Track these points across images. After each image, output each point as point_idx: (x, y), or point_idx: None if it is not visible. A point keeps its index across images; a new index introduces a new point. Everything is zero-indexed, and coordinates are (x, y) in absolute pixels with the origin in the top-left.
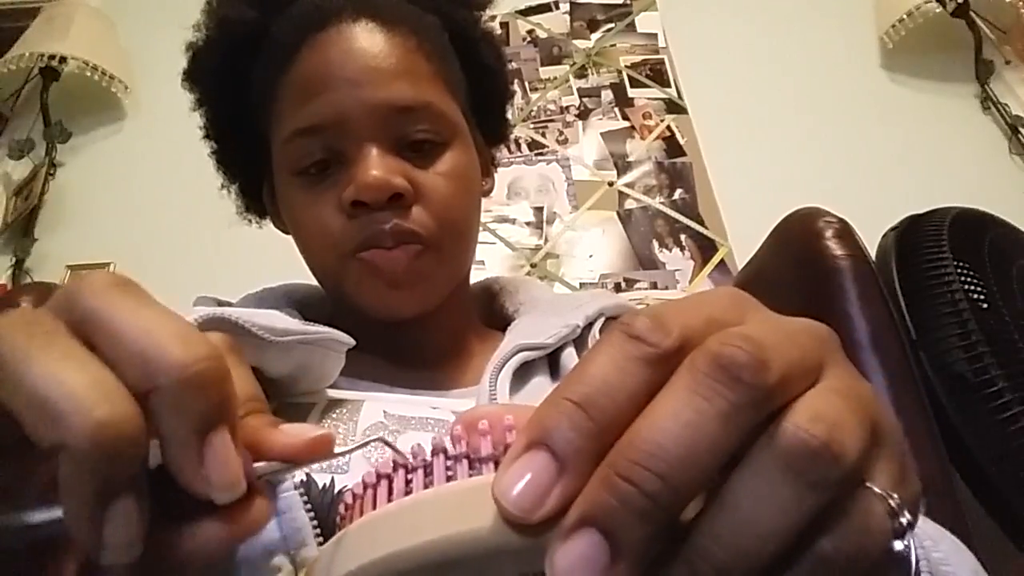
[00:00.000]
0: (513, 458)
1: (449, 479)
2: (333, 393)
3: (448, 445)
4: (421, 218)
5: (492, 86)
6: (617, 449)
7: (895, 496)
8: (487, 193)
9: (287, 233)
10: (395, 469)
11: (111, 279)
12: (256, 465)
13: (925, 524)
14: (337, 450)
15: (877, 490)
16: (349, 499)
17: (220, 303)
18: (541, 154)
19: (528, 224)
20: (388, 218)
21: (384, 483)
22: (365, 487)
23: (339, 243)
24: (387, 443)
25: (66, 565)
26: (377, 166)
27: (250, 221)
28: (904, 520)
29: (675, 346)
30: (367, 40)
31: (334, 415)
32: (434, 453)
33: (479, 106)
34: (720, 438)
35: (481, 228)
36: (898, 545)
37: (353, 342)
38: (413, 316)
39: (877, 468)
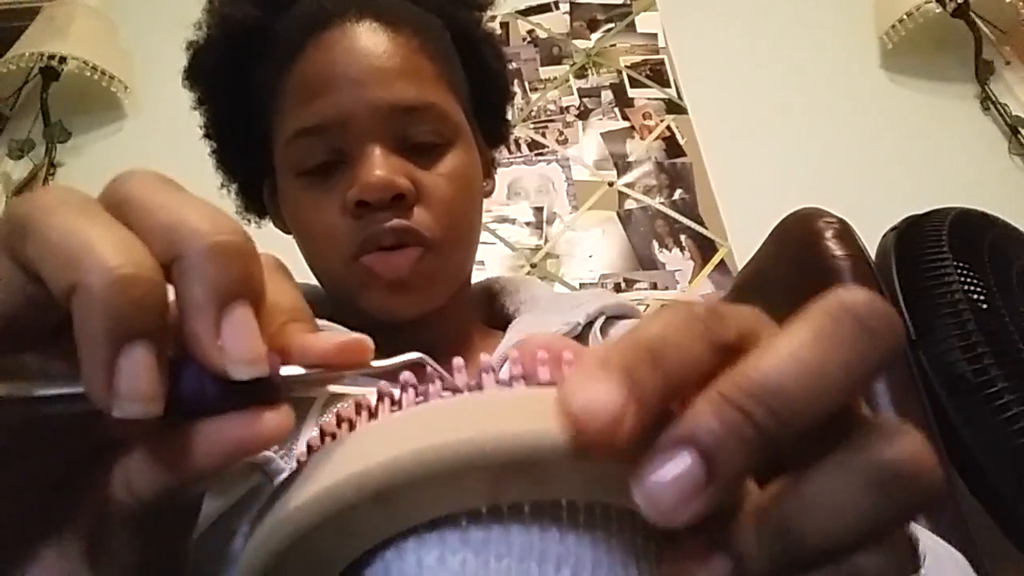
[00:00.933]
0: (584, 372)
1: None
2: (334, 388)
3: (499, 368)
4: (423, 218)
5: (493, 88)
6: (730, 378)
7: (915, 536)
8: (488, 194)
9: (287, 233)
10: (431, 381)
11: (152, 173)
12: (284, 370)
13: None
14: (374, 363)
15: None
16: (357, 409)
17: None
18: (541, 154)
19: (528, 224)
20: (389, 217)
21: (411, 391)
22: (380, 397)
23: (342, 245)
24: (430, 363)
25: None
26: (380, 166)
27: (249, 221)
28: (922, 558)
29: (734, 340)
30: (371, 40)
31: (335, 410)
32: (483, 371)
33: (480, 107)
34: (839, 388)
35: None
36: None
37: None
38: (415, 317)
39: None
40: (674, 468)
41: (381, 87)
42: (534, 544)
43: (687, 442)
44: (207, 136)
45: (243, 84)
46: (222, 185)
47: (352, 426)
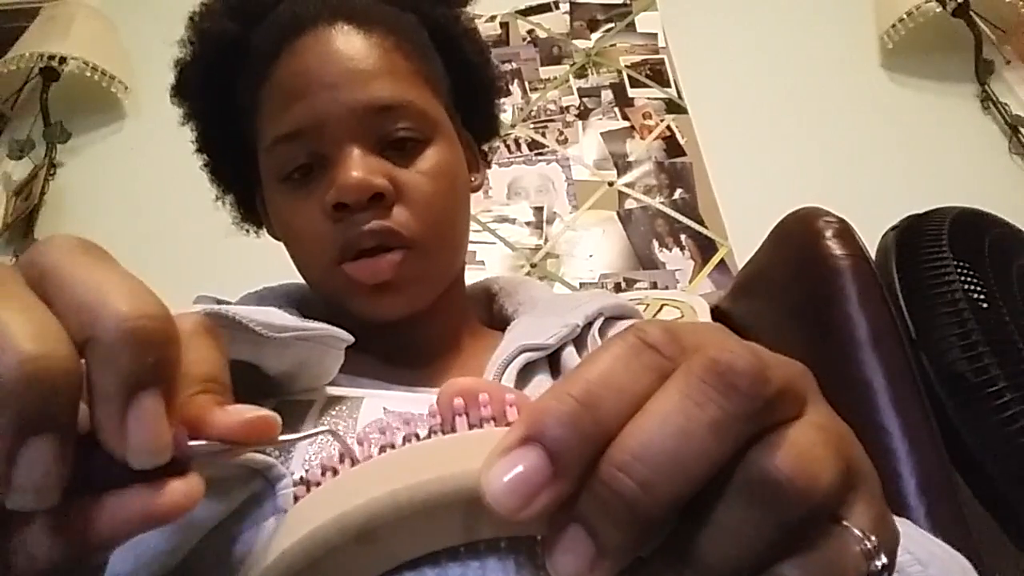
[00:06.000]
0: (506, 449)
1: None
2: (332, 390)
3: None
4: (402, 217)
5: (476, 82)
6: (606, 452)
7: (872, 538)
8: (476, 189)
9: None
10: (409, 423)
11: (75, 240)
12: (192, 443)
13: (915, 546)
14: (281, 437)
15: (855, 530)
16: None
17: (220, 302)
18: (541, 154)
19: (528, 224)
20: (369, 218)
21: (389, 434)
22: (360, 442)
23: (324, 248)
24: (335, 435)
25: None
26: (357, 167)
27: (247, 232)
28: (880, 563)
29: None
30: (344, 43)
31: (334, 412)
32: (457, 413)
33: (465, 102)
34: (710, 447)
35: (481, 228)
36: None
37: (352, 339)
38: (405, 317)
39: (854, 508)
40: (567, 545)
41: (355, 88)
42: None
43: (573, 521)
44: (199, 151)
45: (227, 97)
46: (217, 198)
47: (336, 474)
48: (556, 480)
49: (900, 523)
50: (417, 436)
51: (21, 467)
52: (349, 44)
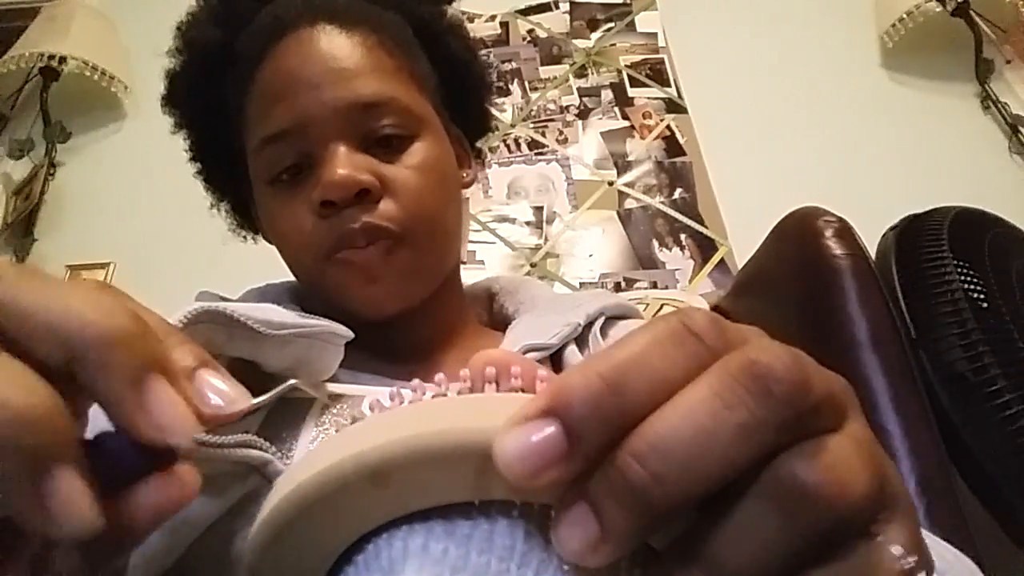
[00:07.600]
0: (525, 417)
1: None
2: (333, 387)
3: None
4: (389, 212)
5: (464, 77)
6: (626, 438)
7: (911, 558)
8: (468, 185)
9: None
10: (439, 385)
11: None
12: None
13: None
14: (255, 400)
15: (893, 550)
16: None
17: (222, 299)
18: (541, 154)
19: (528, 224)
20: (357, 216)
21: (413, 393)
22: (392, 397)
23: (313, 246)
24: (301, 387)
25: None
26: (343, 164)
27: (244, 237)
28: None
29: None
30: (326, 42)
31: (335, 410)
32: (487, 381)
33: (453, 98)
34: (731, 451)
35: (481, 228)
36: None
37: (352, 335)
38: (398, 312)
39: (891, 528)
40: (573, 520)
41: (338, 87)
42: (517, 546)
43: (581, 498)
44: (192, 159)
45: (216, 104)
46: (212, 205)
47: None
48: (569, 458)
49: None
50: (445, 396)
51: (55, 502)
52: (331, 43)
